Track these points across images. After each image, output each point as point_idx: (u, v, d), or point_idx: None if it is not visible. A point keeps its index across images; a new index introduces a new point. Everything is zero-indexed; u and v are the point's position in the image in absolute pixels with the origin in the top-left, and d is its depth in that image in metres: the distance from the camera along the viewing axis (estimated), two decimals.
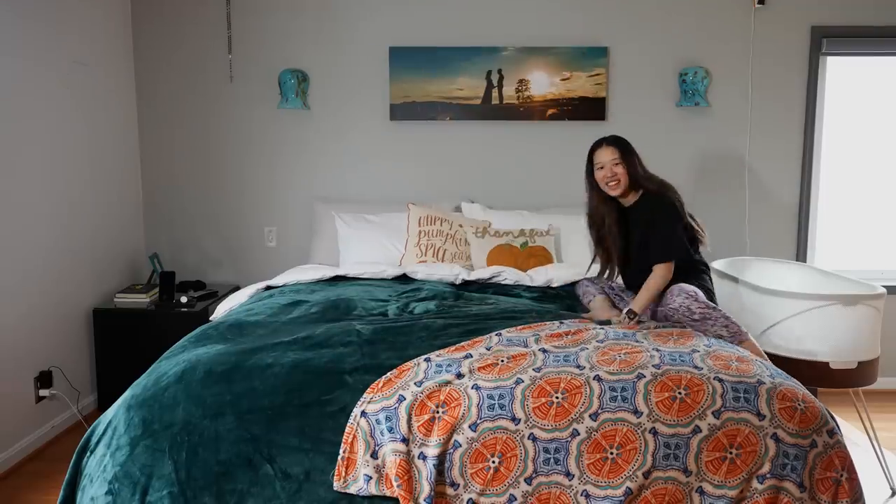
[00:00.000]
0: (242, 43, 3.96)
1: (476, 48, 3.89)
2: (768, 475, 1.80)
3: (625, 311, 2.56)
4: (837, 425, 1.90)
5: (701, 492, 1.80)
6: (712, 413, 1.84)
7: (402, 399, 1.90)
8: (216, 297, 3.78)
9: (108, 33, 3.76)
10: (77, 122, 3.48)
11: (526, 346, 2.12)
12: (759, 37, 3.89)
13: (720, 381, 1.89)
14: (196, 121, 4.03)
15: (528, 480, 1.83)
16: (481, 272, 3.19)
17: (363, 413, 1.89)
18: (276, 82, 3.95)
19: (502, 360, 2.01)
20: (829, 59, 3.93)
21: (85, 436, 2.03)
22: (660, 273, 2.61)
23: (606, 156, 2.74)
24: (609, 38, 3.91)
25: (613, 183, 2.72)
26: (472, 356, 2.05)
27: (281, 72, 3.90)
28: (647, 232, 2.68)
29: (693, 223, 2.78)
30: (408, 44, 3.92)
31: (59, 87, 3.34)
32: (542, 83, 3.90)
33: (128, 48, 3.95)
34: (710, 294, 2.72)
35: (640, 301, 2.58)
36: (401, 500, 1.82)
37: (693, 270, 2.72)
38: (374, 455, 1.86)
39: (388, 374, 1.99)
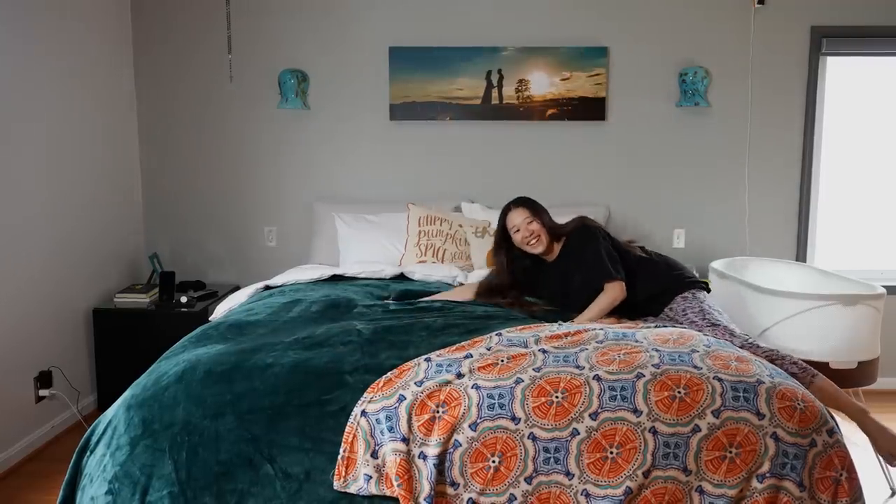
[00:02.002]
0: (242, 43, 3.96)
1: (476, 48, 3.89)
2: (768, 474, 1.81)
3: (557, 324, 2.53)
4: (837, 425, 1.91)
5: (700, 491, 1.81)
6: (712, 412, 1.84)
7: (402, 399, 1.91)
8: (216, 297, 3.79)
9: (108, 32, 3.76)
10: (76, 121, 3.48)
11: (526, 346, 2.12)
12: (758, 37, 3.90)
13: (719, 380, 1.90)
14: (196, 120, 4.03)
15: (529, 480, 1.83)
16: (480, 274, 3.20)
17: (363, 413, 1.90)
18: (275, 82, 3.95)
19: (502, 360, 2.02)
20: (829, 59, 3.93)
21: (85, 435, 2.03)
22: (610, 293, 2.57)
23: (518, 217, 2.73)
24: (609, 38, 3.92)
25: (534, 241, 2.71)
26: (472, 356, 2.05)
27: (281, 72, 3.90)
28: (583, 263, 2.66)
29: (619, 242, 2.77)
30: (408, 44, 3.92)
31: (58, 86, 3.34)
32: (542, 83, 3.91)
33: (127, 48, 3.95)
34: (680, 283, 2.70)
35: (582, 320, 2.54)
36: (401, 500, 1.83)
37: (663, 279, 2.71)
38: (374, 454, 1.86)
39: (389, 373, 1.99)
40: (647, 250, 2.83)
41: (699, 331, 2.43)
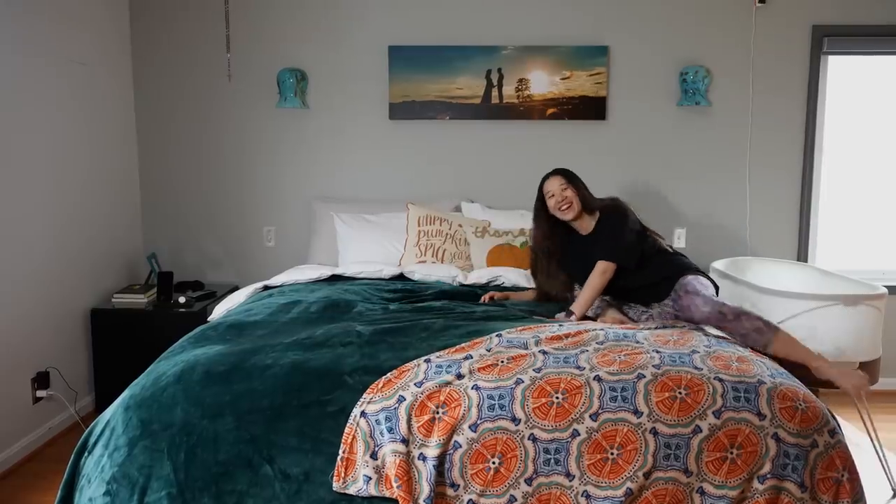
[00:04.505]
0: (241, 42, 3.96)
1: (476, 47, 3.89)
2: (769, 475, 1.81)
3: (564, 312, 2.63)
4: (839, 425, 1.91)
5: (702, 492, 1.81)
6: (713, 413, 1.85)
7: (402, 399, 1.91)
8: (215, 297, 3.79)
9: (106, 32, 3.76)
10: (75, 121, 3.48)
11: (526, 347, 2.13)
12: (760, 36, 3.90)
13: (720, 380, 1.90)
14: (194, 120, 4.03)
15: (529, 481, 1.84)
16: (479, 274, 3.20)
17: (363, 413, 1.90)
18: (274, 81, 3.95)
19: (502, 361, 2.02)
20: (831, 58, 3.93)
21: (83, 436, 2.04)
22: (600, 270, 2.66)
23: (554, 184, 2.83)
24: (609, 36, 3.92)
25: (566, 207, 2.79)
26: (472, 357, 2.05)
27: (280, 71, 3.91)
28: (601, 238, 2.75)
29: (650, 232, 2.84)
30: (407, 42, 3.92)
31: (57, 86, 3.34)
32: (542, 82, 3.91)
33: (125, 47, 3.95)
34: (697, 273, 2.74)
35: (581, 303, 2.64)
36: (400, 501, 1.83)
37: (679, 268, 2.73)
38: (373, 456, 1.87)
39: (388, 374, 1.99)
40: (669, 246, 2.88)
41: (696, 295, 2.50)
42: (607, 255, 2.69)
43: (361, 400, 1.92)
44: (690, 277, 2.65)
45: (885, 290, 2.89)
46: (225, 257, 4.13)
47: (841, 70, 3.97)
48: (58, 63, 3.34)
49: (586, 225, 2.84)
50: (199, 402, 1.96)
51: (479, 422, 1.86)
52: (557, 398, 1.89)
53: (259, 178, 4.07)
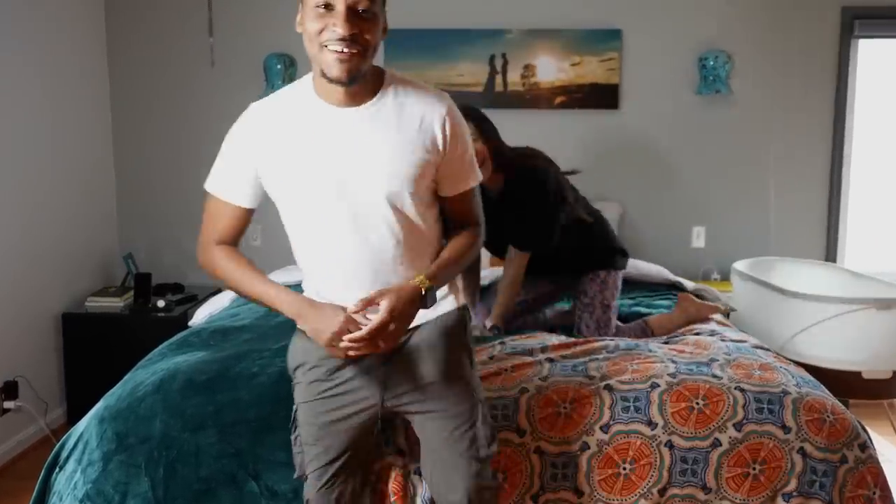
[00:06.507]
0: (224, 25, 3.97)
1: (478, 31, 3.90)
2: (795, 493, 1.81)
3: (489, 326, 2.48)
4: (870, 439, 1.91)
5: None
6: (733, 425, 1.85)
7: None
8: (196, 300, 3.79)
9: (78, 17, 3.77)
10: (45, 110, 3.48)
11: (531, 354, 2.13)
12: (785, 19, 3.90)
13: (742, 390, 1.90)
14: (174, 109, 4.04)
15: (535, 497, 1.84)
16: (482, 274, 3.20)
17: None
18: (260, 68, 3.96)
19: (506, 370, 2.02)
20: (861, 41, 3.94)
21: (54, 451, 2.04)
22: (516, 263, 2.51)
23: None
24: (622, 19, 3.92)
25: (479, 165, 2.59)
26: None
27: (266, 56, 3.91)
28: (523, 215, 2.52)
29: (567, 198, 2.64)
30: (404, 26, 3.91)
31: (25, 73, 3.34)
32: (550, 69, 3.91)
33: (100, 32, 3.95)
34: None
35: (502, 304, 2.51)
36: None
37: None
38: None
39: None
40: (589, 207, 2.74)
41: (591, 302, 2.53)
42: (521, 243, 2.51)
43: None
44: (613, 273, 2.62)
45: None
46: None
47: (873, 55, 3.97)
48: (27, 48, 3.35)
49: (495, 183, 2.52)
50: (180, 413, 1.96)
51: None
52: (565, 408, 1.89)
53: None
